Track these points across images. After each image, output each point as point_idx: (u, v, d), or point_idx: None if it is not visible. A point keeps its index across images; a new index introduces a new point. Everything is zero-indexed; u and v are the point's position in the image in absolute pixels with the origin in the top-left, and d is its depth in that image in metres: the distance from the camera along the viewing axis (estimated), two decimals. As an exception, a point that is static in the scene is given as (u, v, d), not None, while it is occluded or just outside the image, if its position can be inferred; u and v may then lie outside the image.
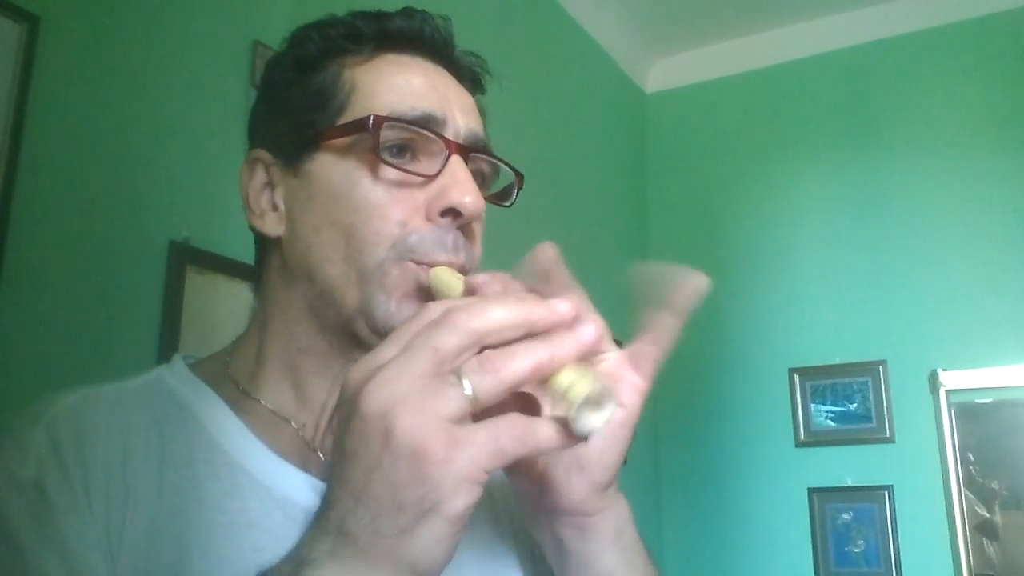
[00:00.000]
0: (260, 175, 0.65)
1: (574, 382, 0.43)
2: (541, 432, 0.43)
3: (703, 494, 3.10)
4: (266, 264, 0.66)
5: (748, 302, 3.13)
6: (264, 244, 0.67)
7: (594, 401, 0.43)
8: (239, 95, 1.56)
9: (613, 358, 0.53)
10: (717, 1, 3.11)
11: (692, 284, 0.52)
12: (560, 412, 0.44)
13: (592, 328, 0.46)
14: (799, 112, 3.21)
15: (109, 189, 1.35)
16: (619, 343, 0.54)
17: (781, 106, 3.25)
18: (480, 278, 0.52)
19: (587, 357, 0.47)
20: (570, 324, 0.46)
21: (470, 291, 0.52)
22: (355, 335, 0.60)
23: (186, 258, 1.42)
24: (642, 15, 3.16)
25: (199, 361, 0.68)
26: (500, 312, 0.44)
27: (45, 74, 1.27)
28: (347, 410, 0.44)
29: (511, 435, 0.42)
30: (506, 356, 0.43)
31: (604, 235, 3.05)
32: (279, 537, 0.54)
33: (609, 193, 3.19)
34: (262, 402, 0.63)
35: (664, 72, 3.49)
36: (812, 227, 3.10)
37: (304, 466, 0.60)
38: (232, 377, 0.65)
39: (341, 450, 0.44)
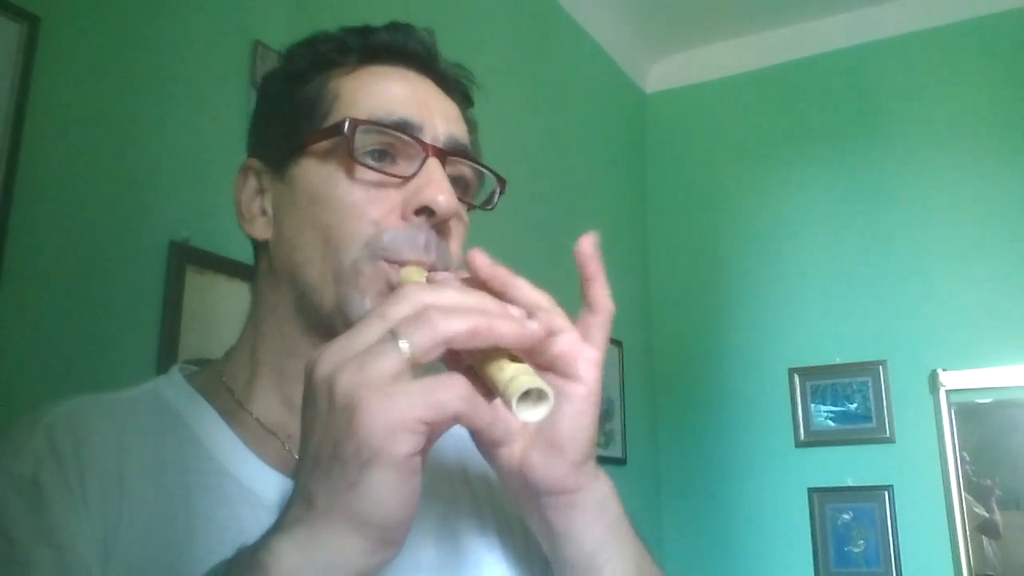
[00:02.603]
0: (252, 182, 0.67)
1: (515, 376, 0.46)
2: (482, 402, 0.45)
3: (703, 494, 3.10)
4: (258, 267, 0.69)
5: (748, 302, 3.14)
6: (257, 248, 0.69)
7: (533, 397, 0.45)
8: (239, 95, 1.56)
9: (568, 337, 0.54)
10: (717, 1, 3.11)
11: (583, 246, 0.54)
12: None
13: (537, 326, 0.49)
14: (799, 112, 3.21)
15: (109, 189, 1.35)
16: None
17: (781, 106, 3.25)
18: (440, 275, 0.55)
19: (530, 347, 0.50)
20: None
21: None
22: (336, 335, 0.61)
23: (186, 258, 1.42)
24: (642, 15, 3.16)
25: (195, 373, 0.70)
26: (452, 294, 0.47)
27: (45, 74, 1.27)
28: (305, 383, 0.46)
29: (451, 392, 0.44)
30: (445, 313, 0.45)
31: (604, 235, 3.03)
32: None
33: (609, 193, 3.19)
34: (253, 415, 0.65)
35: (664, 72, 3.49)
36: (812, 227, 3.10)
37: (293, 476, 0.61)
38: (227, 385, 0.66)
39: (303, 422, 0.47)
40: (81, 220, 1.30)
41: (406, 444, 0.43)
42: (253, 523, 0.57)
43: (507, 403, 0.45)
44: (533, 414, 0.45)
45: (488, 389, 0.48)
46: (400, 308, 0.45)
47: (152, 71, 1.44)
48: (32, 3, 1.26)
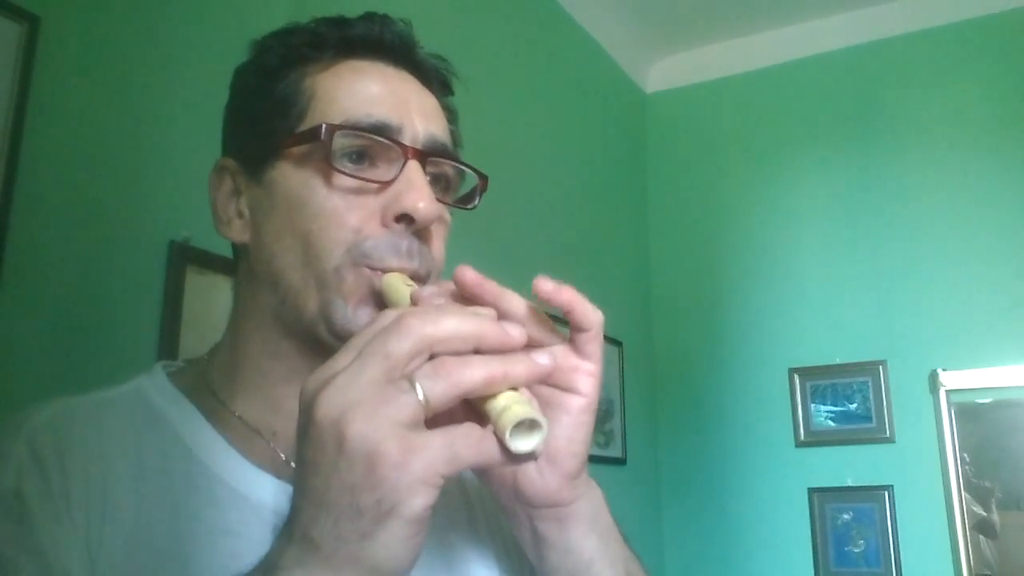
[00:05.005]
0: (227, 183, 0.66)
1: (508, 406, 0.44)
2: (494, 444, 0.44)
3: (703, 494, 3.10)
4: (238, 270, 0.69)
5: (748, 302, 3.14)
6: (236, 250, 0.69)
7: (526, 426, 0.44)
8: (239, 95, 1.56)
9: (560, 350, 0.53)
10: (717, 1, 3.11)
11: (540, 290, 0.51)
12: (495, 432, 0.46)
13: (547, 358, 0.48)
14: (799, 112, 3.21)
15: (109, 189, 1.35)
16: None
17: (781, 106, 3.25)
18: (426, 290, 0.53)
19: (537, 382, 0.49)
20: (519, 347, 0.47)
21: (415, 302, 0.53)
22: (318, 339, 0.61)
23: (186, 258, 1.42)
24: (642, 15, 3.16)
25: (179, 370, 0.69)
26: (452, 322, 0.45)
27: (45, 74, 1.27)
28: (304, 420, 0.44)
29: (466, 443, 0.43)
30: (460, 363, 0.44)
31: (604, 235, 3.05)
32: (257, 543, 0.55)
33: (609, 193, 3.19)
34: (236, 414, 0.64)
35: (664, 72, 3.49)
36: (812, 227, 3.10)
37: (279, 475, 0.61)
38: (209, 386, 0.66)
39: (302, 459, 0.45)
40: (81, 220, 1.30)
41: (426, 498, 0.42)
42: (240, 524, 0.58)
43: (499, 433, 0.44)
44: (525, 443, 0.44)
45: (477, 411, 0.47)
46: (403, 345, 0.43)
47: (152, 71, 1.44)
48: (32, 3, 1.26)
